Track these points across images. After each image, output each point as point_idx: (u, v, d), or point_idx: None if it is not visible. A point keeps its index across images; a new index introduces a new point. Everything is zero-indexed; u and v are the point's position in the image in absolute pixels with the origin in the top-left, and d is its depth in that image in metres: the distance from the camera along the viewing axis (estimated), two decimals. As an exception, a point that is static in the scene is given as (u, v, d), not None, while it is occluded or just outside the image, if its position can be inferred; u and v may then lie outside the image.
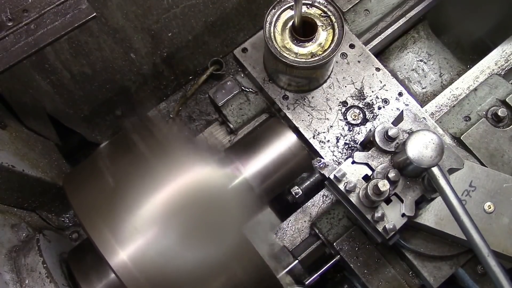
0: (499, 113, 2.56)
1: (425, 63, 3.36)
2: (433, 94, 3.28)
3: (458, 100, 2.74)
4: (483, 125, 2.58)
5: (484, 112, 2.62)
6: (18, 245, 2.50)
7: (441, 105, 2.76)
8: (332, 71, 2.64)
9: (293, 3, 2.44)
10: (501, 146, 2.55)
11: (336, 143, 2.55)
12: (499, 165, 2.52)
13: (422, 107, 2.67)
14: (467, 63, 3.40)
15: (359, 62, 2.66)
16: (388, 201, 2.16)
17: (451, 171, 2.18)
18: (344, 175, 2.18)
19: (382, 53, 3.34)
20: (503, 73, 2.81)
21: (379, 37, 2.97)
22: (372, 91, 2.62)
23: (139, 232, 2.09)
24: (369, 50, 2.75)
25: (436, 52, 3.38)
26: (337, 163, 2.51)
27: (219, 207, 2.18)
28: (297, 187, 2.63)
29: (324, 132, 2.56)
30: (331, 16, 2.45)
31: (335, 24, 2.45)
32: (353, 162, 2.21)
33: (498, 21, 3.23)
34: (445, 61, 3.36)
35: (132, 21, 3.04)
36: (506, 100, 2.61)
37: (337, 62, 2.66)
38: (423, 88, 3.32)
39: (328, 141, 2.55)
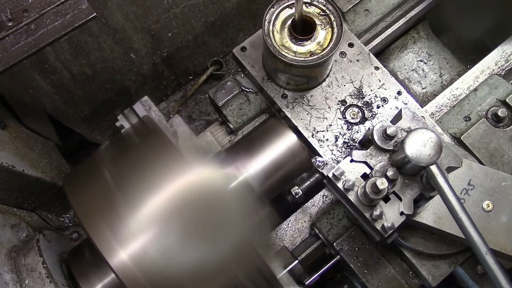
0: (499, 113, 2.56)
1: (425, 63, 3.36)
2: (433, 94, 3.29)
3: (458, 100, 2.73)
4: (483, 125, 2.57)
5: (484, 112, 2.62)
6: (18, 245, 2.50)
7: (441, 105, 2.76)
8: (331, 70, 2.64)
9: (292, 1, 2.45)
10: (501, 146, 2.54)
11: (335, 141, 2.55)
12: (499, 165, 2.51)
13: (422, 107, 2.67)
14: (467, 63, 3.40)
15: (358, 61, 2.66)
16: (386, 199, 2.15)
17: (450, 169, 2.18)
18: (342, 173, 2.18)
19: (382, 53, 3.34)
20: (503, 73, 2.81)
21: (379, 37, 2.97)
22: (371, 90, 2.62)
23: (139, 232, 2.08)
24: (369, 50, 2.75)
25: (436, 52, 3.38)
26: (336, 161, 2.51)
27: (219, 207, 2.18)
28: (297, 187, 2.63)
29: (323, 131, 2.56)
30: (330, 15, 2.45)
31: (334, 23, 2.45)
32: (352, 161, 2.21)
33: (498, 21, 3.22)
34: (445, 61, 3.37)
35: (132, 21, 3.05)
36: (506, 100, 2.60)
37: (336, 61, 2.66)
38: (423, 88, 3.32)
39: (327, 139, 2.55)
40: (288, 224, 2.63)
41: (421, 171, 2.12)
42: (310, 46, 2.43)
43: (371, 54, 2.70)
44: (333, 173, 2.19)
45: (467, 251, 2.37)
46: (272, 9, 2.47)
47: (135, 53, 3.20)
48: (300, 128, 2.57)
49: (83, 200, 2.20)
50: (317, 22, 2.45)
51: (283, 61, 2.39)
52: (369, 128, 2.55)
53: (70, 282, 2.43)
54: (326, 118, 2.58)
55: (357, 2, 2.82)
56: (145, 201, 2.13)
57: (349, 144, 2.55)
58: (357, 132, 2.57)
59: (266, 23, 2.44)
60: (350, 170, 2.20)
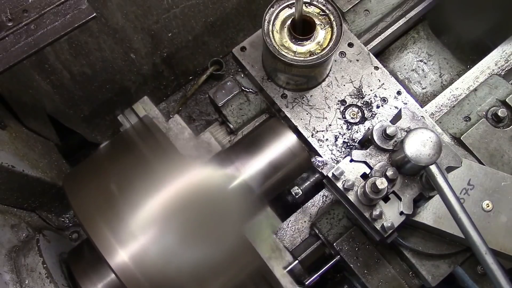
0: (499, 114, 2.55)
1: (425, 63, 3.37)
2: (433, 94, 3.29)
3: (458, 100, 2.73)
4: (483, 125, 2.57)
5: (484, 113, 2.62)
6: (18, 245, 2.51)
7: (441, 106, 2.75)
8: (330, 70, 2.64)
9: (291, 1, 2.45)
10: (501, 147, 2.54)
11: (335, 141, 2.55)
12: (499, 165, 2.51)
13: (422, 107, 2.67)
14: (467, 64, 3.40)
15: (357, 60, 2.66)
16: (386, 199, 2.15)
17: (449, 169, 2.18)
18: (342, 173, 2.18)
19: (382, 54, 3.34)
20: (503, 73, 2.80)
21: (379, 38, 2.96)
22: (371, 90, 2.62)
23: (139, 232, 2.09)
24: (369, 50, 2.74)
25: (436, 53, 3.38)
26: (335, 161, 2.51)
27: (219, 207, 2.18)
28: (297, 187, 2.63)
29: (322, 131, 2.56)
30: (329, 15, 2.45)
31: (334, 22, 2.45)
32: (351, 161, 2.20)
33: (498, 21, 3.21)
34: (445, 61, 3.37)
35: (132, 21, 3.05)
36: (506, 100, 2.60)
37: (335, 60, 2.66)
38: (423, 89, 3.33)
39: (327, 139, 2.55)
40: (288, 224, 2.63)
41: (420, 171, 2.12)
42: (309, 46, 2.43)
43: (370, 54, 2.69)
44: (332, 173, 2.18)
45: (467, 251, 2.37)
46: (271, 9, 2.47)
47: (135, 53, 3.20)
48: (299, 128, 2.57)
49: (83, 200, 2.21)
50: (317, 22, 2.45)
51: (282, 61, 2.39)
52: (368, 128, 2.55)
53: (70, 282, 2.44)
54: (325, 118, 2.58)
55: (357, 2, 2.82)
56: (145, 201, 2.14)
57: (348, 144, 2.55)
58: (357, 132, 2.57)
59: (266, 23, 2.44)
60: (350, 170, 2.20)
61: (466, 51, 3.49)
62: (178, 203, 2.16)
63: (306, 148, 2.61)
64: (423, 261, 2.40)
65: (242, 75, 2.74)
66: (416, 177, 2.17)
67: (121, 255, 2.05)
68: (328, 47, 2.41)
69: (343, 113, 2.59)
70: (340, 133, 2.56)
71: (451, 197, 1.96)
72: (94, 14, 2.28)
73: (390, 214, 2.15)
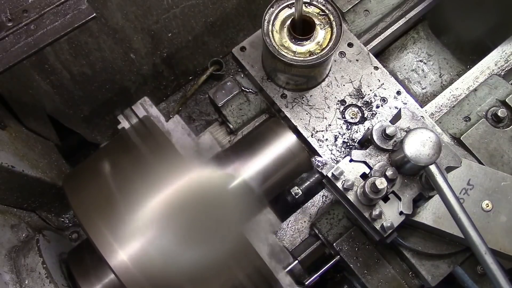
0: (499, 114, 2.55)
1: (425, 63, 3.37)
2: (433, 94, 3.29)
3: (458, 100, 2.73)
4: (482, 125, 2.57)
5: (484, 113, 2.62)
6: (18, 246, 2.50)
7: (441, 106, 2.76)
8: (330, 70, 2.64)
9: (291, 1, 2.45)
10: (500, 147, 2.54)
11: (335, 141, 2.55)
12: (499, 165, 2.51)
13: (422, 107, 2.67)
14: (467, 64, 3.41)
15: (357, 60, 2.66)
16: (386, 199, 2.15)
17: (449, 169, 2.18)
18: (342, 173, 2.18)
19: (382, 54, 3.34)
20: (503, 73, 2.81)
21: (379, 38, 2.97)
22: (370, 90, 2.62)
23: (138, 232, 2.09)
24: (369, 50, 2.74)
25: (436, 53, 3.39)
26: (335, 161, 2.51)
27: (218, 207, 2.18)
28: (297, 187, 2.63)
29: (322, 131, 2.56)
30: (329, 15, 2.45)
31: (333, 22, 2.45)
32: (351, 160, 2.20)
33: (498, 21, 3.22)
34: (445, 61, 3.37)
35: (132, 21, 3.05)
36: (506, 100, 2.60)
37: (335, 60, 2.66)
38: (423, 89, 3.33)
39: (327, 139, 2.55)
40: (288, 224, 2.63)
41: (420, 170, 2.12)
42: (309, 46, 2.43)
43: (370, 54, 2.70)
44: (332, 173, 2.18)
45: (466, 251, 2.37)
46: (271, 9, 2.47)
47: (135, 53, 3.20)
48: (299, 128, 2.57)
49: (83, 201, 2.20)
50: (317, 22, 2.45)
51: (282, 61, 2.39)
52: (368, 128, 2.55)
53: (69, 282, 2.43)
54: (325, 118, 2.58)
55: (357, 2, 2.82)
56: (145, 201, 2.14)
57: (348, 144, 2.55)
58: (357, 132, 2.57)
59: (266, 23, 2.44)
60: (350, 170, 2.20)
61: (466, 51, 3.49)
62: (178, 203, 2.15)
63: (306, 148, 2.61)
64: (422, 261, 2.40)
65: (242, 75, 2.74)
66: (415, 177, 2.17)
67: (121, 255, 2.04)
68: (328, 47, 2.42)
69: (342, 113, 2.59)
70: (339, 133, 2.56)
71: (450, 197, 1.96)
72: (94, 14, 2.28)
73: (390, 214, 2.14)
